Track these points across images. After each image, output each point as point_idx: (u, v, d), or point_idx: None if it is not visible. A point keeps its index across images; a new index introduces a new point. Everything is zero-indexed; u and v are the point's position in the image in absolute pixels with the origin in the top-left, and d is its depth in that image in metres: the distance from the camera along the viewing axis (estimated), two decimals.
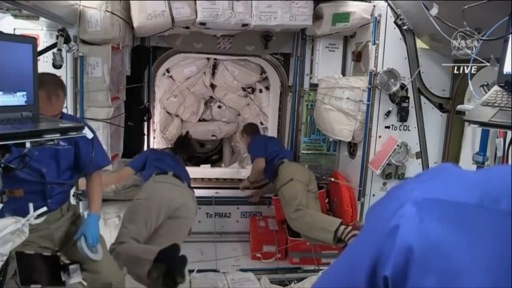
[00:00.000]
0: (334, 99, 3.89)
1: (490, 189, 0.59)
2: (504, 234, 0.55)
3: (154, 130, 5.22)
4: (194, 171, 5.38)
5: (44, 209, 1.58)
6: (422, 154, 3.74)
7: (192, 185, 3.87)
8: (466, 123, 1.76)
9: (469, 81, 2.20)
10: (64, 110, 3.26)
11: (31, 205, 1.57)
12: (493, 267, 0.55)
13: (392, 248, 0.60)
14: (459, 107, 2.42)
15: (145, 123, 4.56)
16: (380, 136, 3.68)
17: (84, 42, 3.26)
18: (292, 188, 3.77)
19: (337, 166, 4.56)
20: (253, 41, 4.54)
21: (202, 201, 4.49)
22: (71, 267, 2.22)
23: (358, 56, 4.10)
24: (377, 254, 0.62)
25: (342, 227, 3.36)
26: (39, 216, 1.54)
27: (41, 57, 2.81)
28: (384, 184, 3.76)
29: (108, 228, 3.55)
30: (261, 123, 6.55)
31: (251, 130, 4.70)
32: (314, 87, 4.42)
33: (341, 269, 0.74)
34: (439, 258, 0.58)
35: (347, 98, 3.76)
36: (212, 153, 7.77)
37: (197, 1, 3.50)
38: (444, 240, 0.58)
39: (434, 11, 2.51)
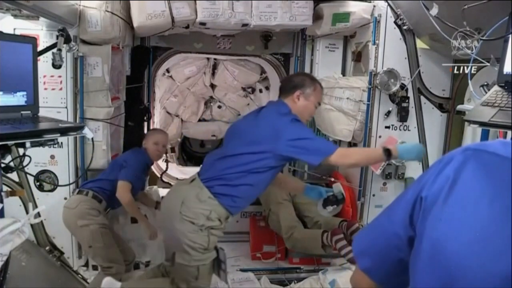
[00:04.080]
0: (334, 99, 3.89)
1: None
2: None
3: None
4: (194, 171, 5.37)
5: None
6: None
7: None
8: (466, 123, 1.76)
9: (469, 81, 2.19)
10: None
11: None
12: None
13: (437, 177, 0.85)
14: (459, 107, 2.41)
15: (145, 123, 4.56)
16: (380, 136, 3.67)
17: (84, 42, 3.26)
18: (273, 220, 3.79)
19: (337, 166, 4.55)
20: (253, 41, 4.54)
21: None
22: None
23: (358, 56, 4.10)
24: (421, 187, 0.87)
25: (324, 236, 3.42)
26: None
27: (41, 57, 2.82)
28: (384, 184, 3.75)
29: None
30: None
31: None
32: None
33: (382, 215, 1.01)
34: (463, 188, 0.81)
35: (347, 98, 3.75)
36: None
37: (197, 1, 3.49)
38: (472, 181, 0.80)
39: (434, 11, 2.50)
